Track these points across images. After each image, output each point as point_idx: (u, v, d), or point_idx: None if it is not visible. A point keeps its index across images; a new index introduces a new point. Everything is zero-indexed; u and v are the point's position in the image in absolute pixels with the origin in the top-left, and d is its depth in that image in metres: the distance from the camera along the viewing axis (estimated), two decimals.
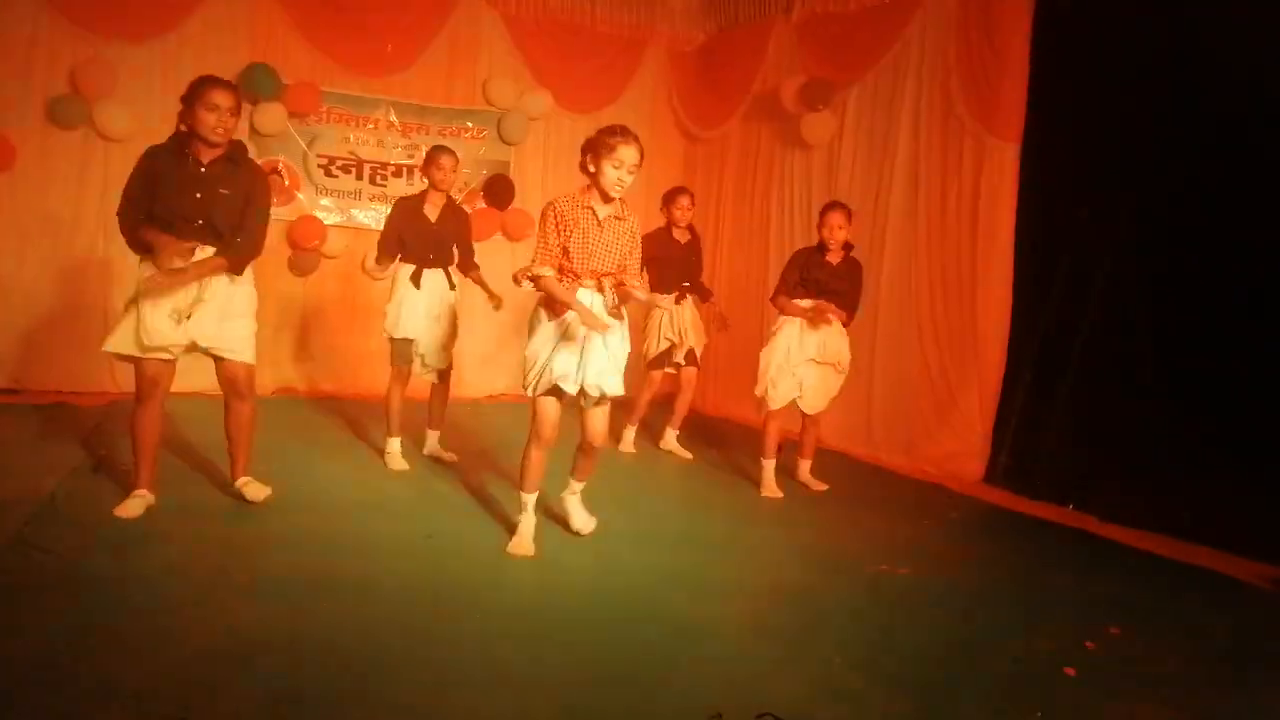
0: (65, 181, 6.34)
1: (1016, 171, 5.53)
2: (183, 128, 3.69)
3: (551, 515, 4.12)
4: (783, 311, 5.07)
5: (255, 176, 3.88)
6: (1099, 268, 5.06)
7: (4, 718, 2.04)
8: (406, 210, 4.97)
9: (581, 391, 3.68)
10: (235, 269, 3.76)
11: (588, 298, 3.65)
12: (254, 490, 4.07)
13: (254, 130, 6.68)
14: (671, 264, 5.65)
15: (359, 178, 7.33)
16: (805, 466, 5.27)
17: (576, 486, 4.05)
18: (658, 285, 5.37)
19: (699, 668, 2.82)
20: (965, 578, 3.97)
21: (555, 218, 3.61)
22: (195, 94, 3.62)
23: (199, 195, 3.66)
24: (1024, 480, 5.36)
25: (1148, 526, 4.68)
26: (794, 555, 4.12)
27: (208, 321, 3.73)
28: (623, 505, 4.46)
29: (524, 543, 3.78)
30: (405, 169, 7.40)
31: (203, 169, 3.68)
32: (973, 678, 2.92)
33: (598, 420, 3.81)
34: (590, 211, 3.62)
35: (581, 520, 4.02)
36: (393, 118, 7.35)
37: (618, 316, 3.71)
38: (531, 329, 3.74)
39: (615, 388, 3.71)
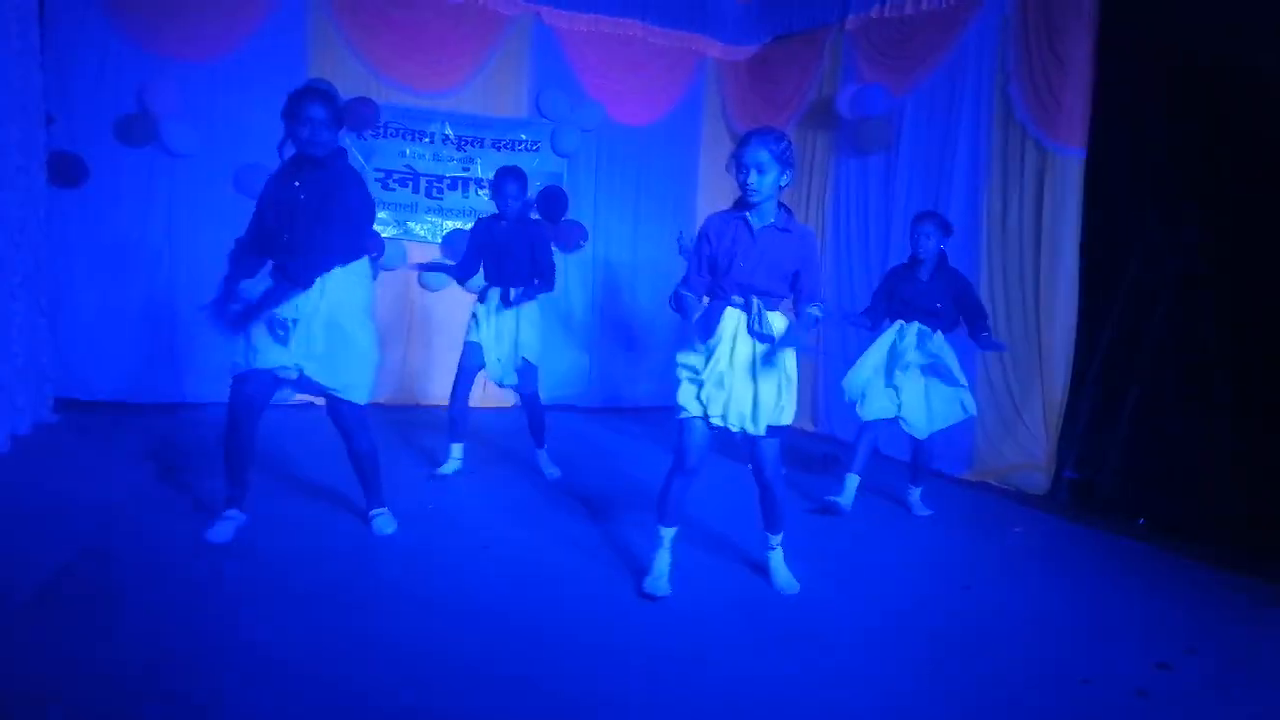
0: (134, 198, 6.52)
1: (1081, 179, 5.39)
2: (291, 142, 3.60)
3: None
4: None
5: (337, 178, 3.60)
6: (1166, 279, 4.92)
7: None
8: (482, 230, 5.09)
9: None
10: (301, 284, 3.50)
11: (734, 316, 3.38)
12: (382, 523, 3.98)
13: None
14: None
15: (415, 191, 7.42)
16: (915, 494, 5.08)
17: (773, 540, 3.70)
18: None
19: (761, 684, 2.79)
20: (1031, 594, 3.87)
21: (704, 232, 3.45)
22: (290, 110, 3.54)
23: (286, 208, 3.57)
24: (1090, 495, 5.22)
25: (1218, 544, 4.52)
26: (856, 569, 4.05)
27: (316, 350, 3.57)
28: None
29: (659, 582, 3.49)
30: (460, 181, 7.48)
31: (297, 183, 3.57)
32: (1039, 699, 2.84)
33: (761, 454, 3.49)
34: (743, 222, 3.39)
35: (784, 579, 3.67)
36: (448, 131, 7.43)
37: (765, 341, 3.30)
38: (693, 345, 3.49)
39: (756, 426, 3.38)
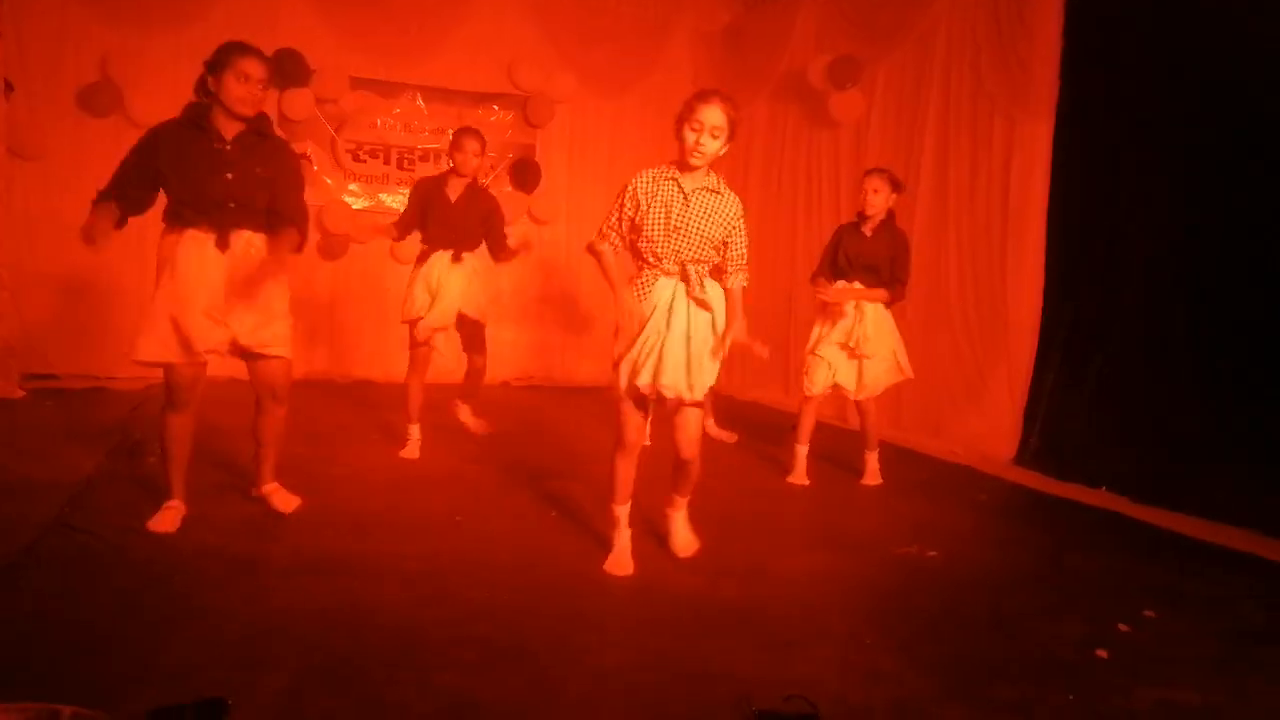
0: (98, 169, 6.39)
1: (1049, 150, 5.44)
2: (203, 99, 3.35)
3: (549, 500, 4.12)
4: (819, 295, 4.82)
5: (286, 152, 3.57)
6: (1131, 247, 4.99)
7: (44, 697, 2.08)
8: (426, 189, 4.90)
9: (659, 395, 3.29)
10: (298, 251, 3.46)
11: (669, 289, 3.26)
12: (282, 499, 3.78)
13: (282, 116, 6.72)
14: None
15: (386, 162, 7.36)
16: (870, 460, 4.99)
17: (679, 502, 3.64)
18: None
19: (727, 649, 2.83)
20: (996, 560, 3.95)
21: (630, 190, 3.25)
22: (224, 61, 3.30)
23: (230, 176, 3.32)
24: (1054, 462, 5.31)
25: (1181, 508, 4.62)
26: (822, 538, 4.11)
27: (247, 317, 3.40)
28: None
29: (622, 559, 3.43)
30: (433, 153, 7.43)
31: (228, 146, 3.34)
32: (1004, 660, 2.90)
33: (682, 427, 3.39)
34: (674, 184, 3.23)
35: (683, 540, 3.62)
36: (419, 102, 7.37)
37: (705, 307, 3.28)
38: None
39: (694, 391, 3.26)
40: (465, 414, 5.30)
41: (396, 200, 7.33)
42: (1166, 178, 4.83)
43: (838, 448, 5.53)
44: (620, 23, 7.81)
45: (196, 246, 3.34)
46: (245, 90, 3.32)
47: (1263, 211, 4.39)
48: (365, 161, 7.30)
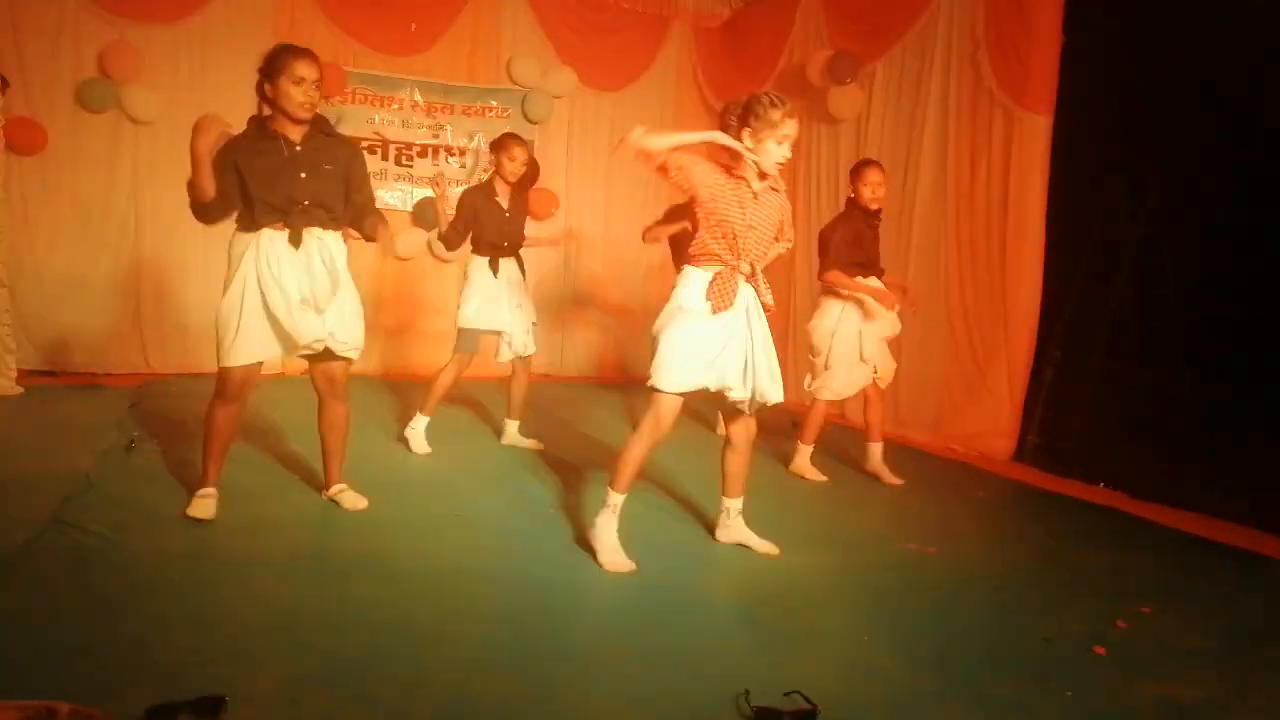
0: (96, 165, 6.41)
1: (1048, 145, 5.44)
2: (264, 111, 3.44)
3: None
4: (843, 289, 4.69)
5: (354, 148, 3.74)
6: (1131, 243, 4.99)
7: (41, 694, 2.08)
8: (476, 200, 4.89)
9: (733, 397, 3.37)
10: (376, 239, 3.66)
11: (746, 287, 3.32)
12: (351, 499, 3.83)
13: None
14: None
15: (384, 158, 7.35)
16: (877, 451, 4.98)
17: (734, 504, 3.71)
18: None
19: (727, 646, 2.83)
20: (995, 556, 3.95)
21: (706, 182, 3.21)
22: (278, 67, 3.35)
23: (303, 175, 3.41)
24: (1053, 458, 5.32)
25: (1179, 504, 4.63)
26: (821, 534, 4.10)
27: (329, 316, 3.50)
28: (651, 483, 4.47)
29: (620, 555, 3.38)
30: (430, 149, 7.41)
31: (298, 148, 3.43)
32: (1003, 657, 2.90)
33: (752, 424, 3.55)
34: (747, 186, 3.25)
35: (757, 541, 3.67)
36: (417, 97, 7.35)
37: (769, 310, 3.38)
38: (673, 316, 3.31)
39: (777, 394, 3.42)
40: (514, 433, 5.23)
41: (394, 196, 7.32)
42: (1165, 172, 4.83)
43: (835, 443, 5.52)
44: (619, 18, 7.80)
45: (273, 246, 3.42)
46: (302, 93, 3.38)
47: (1261, 206, 4.39)
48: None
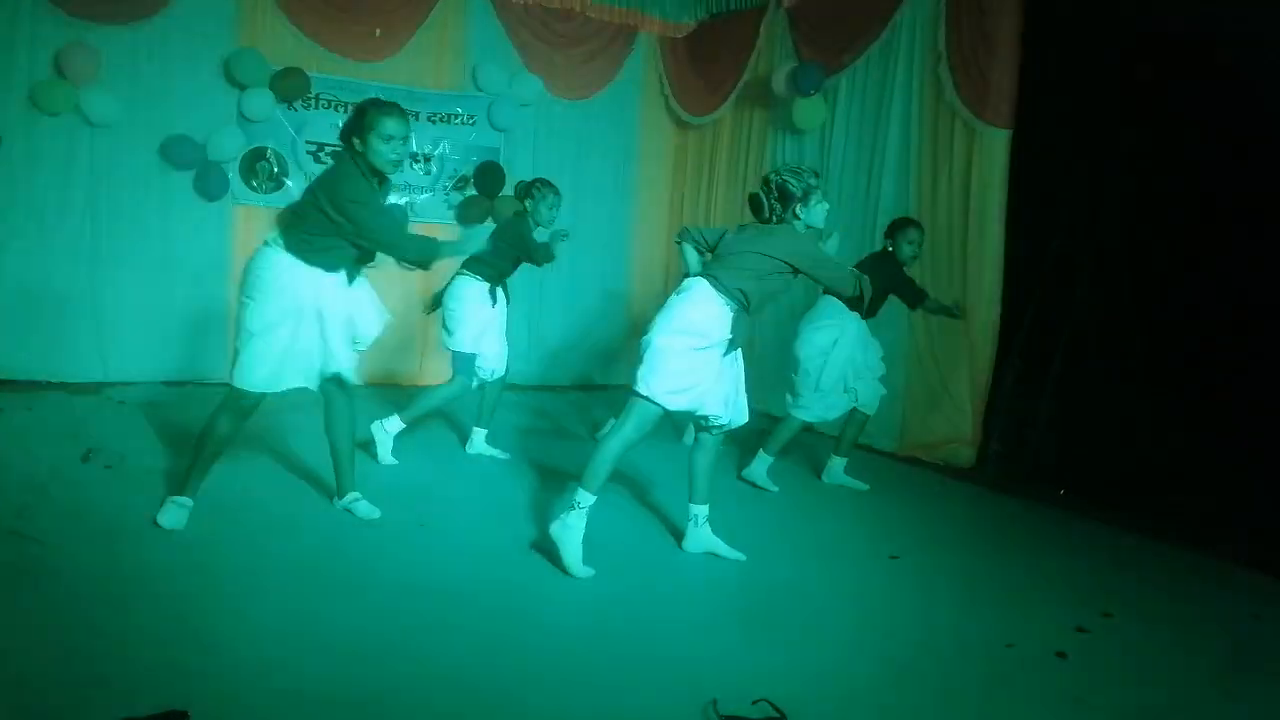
0: (51, 168, 6.26)
1: (1008, 157, 5.53)
2: (358, 149, 3.42)
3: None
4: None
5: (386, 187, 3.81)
6: (1090, 254, 5.08)
7: (0, 710, 2.03)
8: (522, 235, 4.95)
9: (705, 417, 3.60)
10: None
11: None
12: (366, 508, 3.84)
13: (242, 116, 6.62)
14: None
15: None
16: (839, 466, 5.15)
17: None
18: None
19: (695, 655, 2.83)
20: (957, 564, 3.99)
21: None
22: (368, 124, 3.37)
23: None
24: (1015, 467, 5.38)
25: (1137, 513, 4.71)
26: (784, 542, 4.13)
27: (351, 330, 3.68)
28: (621, 491, 4.47)
29: (578, 559, 3.39)
30: None
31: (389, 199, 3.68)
32: (966, 662, 2.94)
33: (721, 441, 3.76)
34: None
35: (725, 549, 3.74)
36: None
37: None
38: (687, 337, 3.42)
39: (745, 416, 3.70)
40: (481, 442, 5.21)
41: None
42: (1126, 181, 4.92)
43: (799, 450, 5.55)
44: (586, 27, 7.79)
45: (340, 281, 3.53)
46: (392, 150, 3.41)
47: (1222, 216, 4.49)
48: (326, 163, 7.19)
